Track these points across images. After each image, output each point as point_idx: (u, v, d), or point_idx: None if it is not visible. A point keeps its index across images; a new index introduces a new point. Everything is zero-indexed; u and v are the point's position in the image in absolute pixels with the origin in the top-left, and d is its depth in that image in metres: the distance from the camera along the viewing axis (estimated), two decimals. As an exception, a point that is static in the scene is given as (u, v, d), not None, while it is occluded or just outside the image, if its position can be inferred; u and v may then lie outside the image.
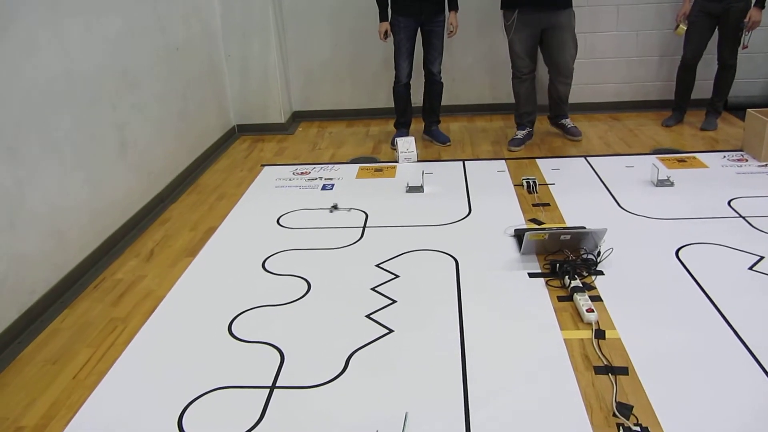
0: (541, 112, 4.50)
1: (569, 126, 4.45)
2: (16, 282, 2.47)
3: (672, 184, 3.51)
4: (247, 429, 1.87)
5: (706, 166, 3.80)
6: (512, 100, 4.42)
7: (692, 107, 4.68)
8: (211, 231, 3.26)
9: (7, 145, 2.43)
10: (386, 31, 4.18)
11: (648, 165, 3.73)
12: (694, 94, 4.62)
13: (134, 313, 2.56)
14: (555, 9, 3.99)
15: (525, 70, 4.22)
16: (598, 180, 3.68)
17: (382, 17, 4.17)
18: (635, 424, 1.79)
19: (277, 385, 2.06)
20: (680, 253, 2.76)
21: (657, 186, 3.52)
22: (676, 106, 4.69)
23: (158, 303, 2.61)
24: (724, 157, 3.94)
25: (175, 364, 2.21)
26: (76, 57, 2.89)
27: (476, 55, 5.10)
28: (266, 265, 2.85)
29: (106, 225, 3.12)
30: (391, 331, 2.31)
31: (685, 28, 4.30)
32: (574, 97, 4.46)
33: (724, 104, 4.63)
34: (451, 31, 4.22)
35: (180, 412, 1.96)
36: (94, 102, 3.03)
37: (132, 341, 2.36)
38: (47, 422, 1.98)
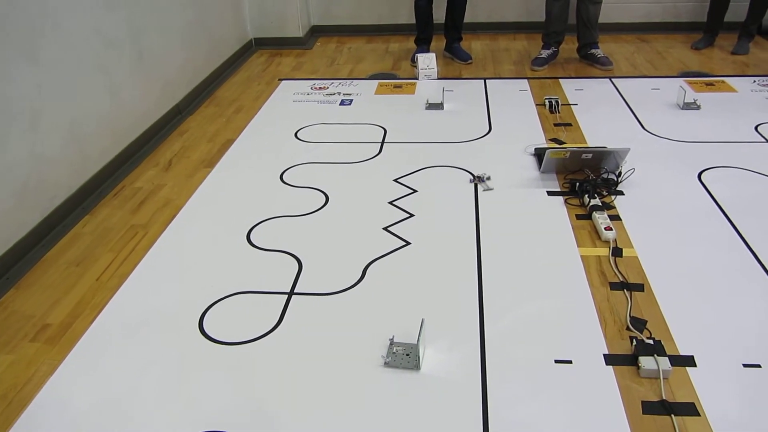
0: (568, 33, 4.33)
1: (600, 56, 4.17)
2: (39, 185, 2.49)
3: (698, 108, 3.42)
4: (266, 331, 1.92)
5: (735, 91, 3.69)
6: (536, 19, 4.26)
7: (724, 30, 4.50)
8: (228, 143, 3.25)
9: (26, 47, 2.40)
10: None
11: (675, 88, 3.63)
12: (728, 17, 4.43)
13: (154, 221, 2.59)
14: None
15: None
16: (623, 101, 3.59)
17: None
18: (648, 338, 1.81)
19: (295, 291, 2.09)
20: (702, 176, 2.72)
21: (683, 109, 3.43)
22: (708, 28, 4.52)
23: (177, 211, 2.63)
24: (755, 81, 3.82)
25: (195, 269, 2.24)
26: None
27: (502, -31, 4.91)
28: (284, 177, 2.85)
29: (126, 134, 3.11)
30: (408, 243, 2.32)
31: None
32: (600, 18, 4.28)
33: (757, 28, 4.45)
34: None
35: (201, 314, 2.00)
36: (109, 7, 2.96)
37: (152, 247, 2.39)
38: (72, 320, 2.04)
